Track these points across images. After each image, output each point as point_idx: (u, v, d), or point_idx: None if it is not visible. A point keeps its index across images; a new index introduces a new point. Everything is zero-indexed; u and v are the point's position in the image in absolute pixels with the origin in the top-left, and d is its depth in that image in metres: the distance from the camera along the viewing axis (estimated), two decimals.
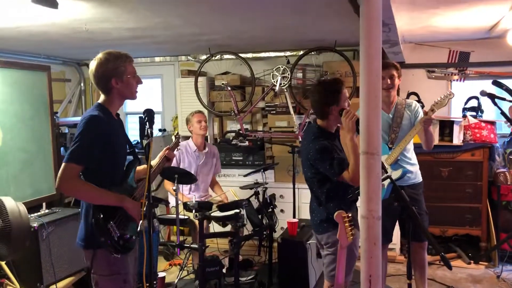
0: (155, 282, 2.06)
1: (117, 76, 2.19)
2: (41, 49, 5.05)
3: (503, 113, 3.24)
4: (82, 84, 6.33)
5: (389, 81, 3.33)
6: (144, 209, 1.99)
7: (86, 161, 2.14)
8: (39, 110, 3.85)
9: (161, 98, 6.20)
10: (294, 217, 4.53)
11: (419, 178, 3.50)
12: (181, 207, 3.75)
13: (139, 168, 2.52)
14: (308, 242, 3.87)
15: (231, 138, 5.25)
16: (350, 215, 2.19)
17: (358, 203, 2.05)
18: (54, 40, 4.26)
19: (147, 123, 2.10)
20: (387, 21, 2.71)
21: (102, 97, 2.28)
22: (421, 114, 3.46)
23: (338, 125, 2.76)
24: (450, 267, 2.25)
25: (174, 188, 3.62)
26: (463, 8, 3.46)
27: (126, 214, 2.23)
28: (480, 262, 4.57)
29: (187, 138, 4.68)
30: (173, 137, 2.97)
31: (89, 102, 6.37)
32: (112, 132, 2.23)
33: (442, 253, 2.26)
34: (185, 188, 4.29)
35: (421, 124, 3.24)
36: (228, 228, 4.12)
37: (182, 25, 3.68)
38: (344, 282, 2.65)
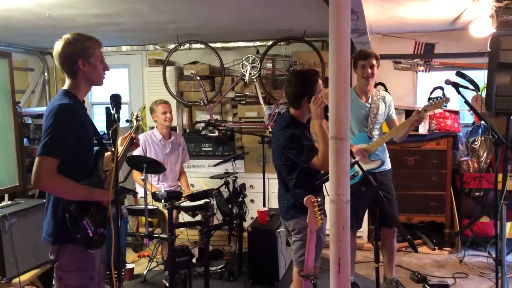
0: (123, 270, 2.00)
1: (85, 57, 2.10)
2: (2, 36, 4.87)
3: (466, 102, 3.32)
4: (46, 74, 6.14)
5: (369, 70, 3.40)
6: (112, 195, 1.93)
7: (62, 154, 2.02)
8: (0, 98, 3.71)
9: (128, 88, 6.08)
10: (264, 206, 4.54)
11: (389, 165, 3.61)
12: (149, 198, 3.70)
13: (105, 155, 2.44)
14: (278, 231, 3.90)
15: (200, 129, 5.21)
16: (319, 199, 2.21)
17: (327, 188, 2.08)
18: (16, 26, 4.11)
19: (114, 108, 2.04)
20: (355, 9, 2.74)
21: (67, 83, 2.18)
22: (393, 108, 3.59)
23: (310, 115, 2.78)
24: (416, 250, 2.32)
25: (142, 177, 3.57)
26: None
27: (100, 207, 2.15)
28: (444, 248, 4.71)
29: (151, 128, 4.62)
30: (134, 120, 2.89)
31: (53, 92, 6.19)
32: (82, 120, 2.14)
33: (409, 237, 2.32)
34: (153, 179, 4.23)
35: (412, 122, 3.32)
36: (198, 218, 4.10)
37: (150, 12, 3.62)
38: (314, 267, 2.69)
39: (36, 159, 1.99)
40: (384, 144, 3.56)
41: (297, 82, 2.73)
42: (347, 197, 2.03)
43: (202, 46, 5.13)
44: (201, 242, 3.86)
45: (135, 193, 4.04)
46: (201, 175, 5.13)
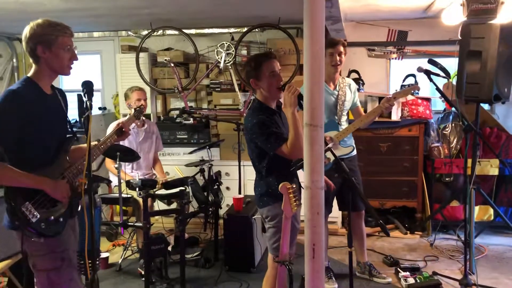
0: (98, 259, 1.98)
1: (45, 44, 2.06)
2: None
3: (438, 89, 3.39)
4: (14, 60, 5.97)
5: (337, 57, 3.43)
6: (85, 185, 1.90)
7: (1, 140, 2.00)
8: None
9: (100, 75, 5.97)
10: (240, 193, 4.55)
11: (355, 151, 3.70)
12: (124, 186, 3.66)
13: (82, 145, 2.39)
14: (254, 217, 3.92)
15: (175, 116, 5.16)
16: (294, 186, 2.23)
17: (301, 176, 2.10)
18: None
19: (86, 95, 1.99)
20: None
21: (32, 69, 2.14)
22: (357, 93, 3.68)
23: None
24: (388, 234, 2.36)
25: (116, 166, 3.52)
26: None
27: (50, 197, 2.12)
28: (416, 232, 4.83)
29: (124, 116, 4.54)
30: (132, 110, 2.81)
31: None
32: (36, 108, 2.08)
33: (381, 221, 2.36)
34: (127, 167, 4.18)
35: (382, 109, 3.37)
36: (174, 206, 4.09)
37: None
38: (289, 254, 2.72)
39: None
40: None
41: (245, 65, 2.79)
42: (322, 184, 2.05)
43: (176, 32, 5.06)
44: (177, 230, 3.85)
45: (109, 182, 3.99)
46: (176, 163, 5.10)
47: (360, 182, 3.67)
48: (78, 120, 5.61)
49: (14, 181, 2.04)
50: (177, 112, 5.15)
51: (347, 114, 3.64)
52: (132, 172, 4.21)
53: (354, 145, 3.69)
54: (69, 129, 2.34)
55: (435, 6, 4.17)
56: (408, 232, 4.82)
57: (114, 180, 4.02)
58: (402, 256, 4.26)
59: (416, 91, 5.03)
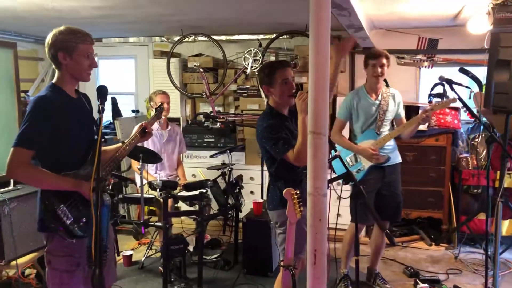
0: (104, 255, 2.08)
1: (65, 51, 2.14)
2: (11, 26, 4.99)
3: (460, 99, 3.33)
4: None
5: (379, 69, 3.46)
6: (93, 183, 1.99)
7: (35, 144, 2.07)
8: (4, 87, 3.83)
9: (134, 79, 6.18)
10: (262, 198, 4.61)
11: (399, 160, 3.67)
12: (146, 187, 3.79)
13: (109, 147, 2.46)
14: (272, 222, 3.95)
15: (202, 120, 5.28)
16: (298, 192, 2.26)
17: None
18: (21, 17, 4.22)
19: (99, 99, 2.09)
20: (344, 5, 2.76)
21: (56, 75, 2.24)
22: (402, 105, 3.67)
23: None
24: (393, 243, 2.35)
25: (139, 167, 3.66)
26: None
27: (83, 197, 2.18)
28: (441, 244, 4.72)
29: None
30: (154, 110, 2.88)
31: None
32: (65, 112, 2.17)
33: (387, 231, 2.36)
34: (151, 168, 4.32)
35: (419, 120, 3.38)
36: (196, 208, 4.18)
37: (147, 4, 3.68)
38: (299, 260, 2.74)
39: (11, 150, 2.05)
40: (394, 141, 3.62)
41: (259, 72, 2.83)
42: (324, 190, 2.07)
43: (206, 38, 5.19)
44: (196, 231, 3.94)
45: (132, 182, 4.14)
46: (203, 165, 5.20)
47: (399, 191, 3.62)
48: (111, 121, 5.87)
49: (53, 185, 2.12)
50: (202, 116, 5.26)
51: (390, 124, 3.63)
52: (156, 173, 4.34)
53: (398, 154, 3.66)
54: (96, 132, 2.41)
55: (463, 14, 4.09)
56: (433, 243, 4.73)
57: (139, 181, 4.16)
58: (424, 268, 4.18)
59: (454, 101, 4.95)
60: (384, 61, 3.46)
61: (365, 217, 3.33)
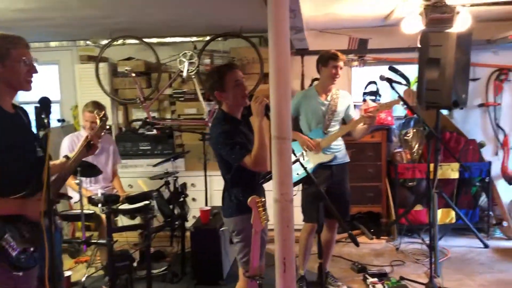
0: (60, 283, 1.88)
1: None
2: None
3: (400, 97, 3.44)
4: None
5: (339, 70, 3.53)
6: (44, 206, 1.78)
7: None
8: None
9: (59, 86, 5.77)
10: (206, 205, 4.49)
11: (347, 159, 3.73)
12: (85, 201, 3.53)
13: (53, 163, 2.23)
14: (221, 229, 3.86)
15: (137, 127, 5.05)
16: (263, 199, 2.19)
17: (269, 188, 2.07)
18: None
19: (43, 112, 1.88)
20: (293, 7, 2.74)
21: None
22: (352, 106, 3.72)
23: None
24: (357, 244, 2.36)
25: (77, 181, 3.39)
26: None
27: (30, 221, 1.95)
28: (382, 237, 4.90)
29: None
30: (98, 120, 2.64)
31: None
32: (4, 131, 1.94)
33: (350, 231, 2.36)
34: (85, 181, 4.02)
35: (363, 121, 3.45)
36: (137, 220, 3.97)
37: (80, 6, 3.42)
38: (259, 267, 2.68)
39: None
40: (342, 140, 3.68)
41: (208, 78, 2.76)
42: (291, 196, 2.03)
43: (137, 41, 4.96)
44: (142, 245, 3.74)
45: (69, 198, 3.83)
46: (140, 175, 4.97)
47: (347, 190, 3.70)
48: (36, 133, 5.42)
49: None
50: (140, 123, 5.03)
51: (339, 124, 3.67)
52: (90, 186, 4.07)
53: (346, 154, 3.72)
54: (38, 148, 2.17)
55: (395, 15, 4.26)
56: (374, 237, 4.88)
57: (75, 196, 3.86)
58: (369, 262, 4.30)
59: (378, 98, 5.14)
60: (341, 63, 3.54)
61: (317, 216, 3.34)
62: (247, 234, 2.41)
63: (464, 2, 3.78)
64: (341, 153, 3.64)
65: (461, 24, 3.82)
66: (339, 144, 3.63)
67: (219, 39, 4.94)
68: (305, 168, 2.45)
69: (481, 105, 5.29)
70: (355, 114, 3.77)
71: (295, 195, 3.24)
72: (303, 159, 3.55)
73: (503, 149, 5.24)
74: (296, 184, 3.31)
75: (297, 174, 3.29)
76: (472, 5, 3.86)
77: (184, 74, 4.91)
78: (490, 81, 5.26)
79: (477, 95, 5.26)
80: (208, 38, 4.91)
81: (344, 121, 3.75)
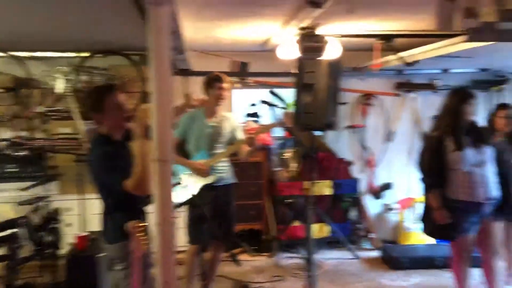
0: None
1: None
2: None
3: (280, 122, 3.66)
4: None
5: (225, 92, 3.62)
6: None
7: None
8: None
9: None
10: (83, 231, 4.22)
11: (231, 180, 3.80)
12: None
13: None
14: (100, 255, 3.65)
15: (4, 148, 4.60)
16: (144, 224, 2.14)
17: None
18: None
19: None
20: (174, 29, 2.76)
21: None
22: (238, 129, 3.81)
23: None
24: (238, 263, 2.41)
25: None
26: (243, 22, 3.79)
27: None
28: (263, 253, 5.05)
29: None
30: None
31: None
32: None
33: (233, 252, 2.41)
34: None
35: (244, 143, 3.59)
36: (2, 251, 3.60)
37: None
38: None
39: None
40: (228, 162, 3.76)
41: (86, 99, 2.65)
42: (172, 219, 2.02)
43: (4, 54, 4.55)
44: (8, 278, 3.39)
45: None
46: (7, 200, 4.51)
47: (232, 212, 3.73)
48: None
49: None
50: (7, 143, 4.60)
51: (224, 146, 3.71)
52: None
53: (232, 175, 3.78)
54: None
55: (272, 41, 4.50)
56: (256, 254, 5.02)
57: None
58: (251, 279, 4.41)
59: (257, 119, 5.35)
60: (228, 85, 3.65)
61: (203, 238, 3.36)
62: (131, 260, 2.32)
63: (333, 33, 4.14)
64: (227, 174, 3.70)
65: (332, 52, 4.16)
66: (224, 166, 3.69)
67: (99, 55, 4.76)
68: (189, 190, 2.44)
69: (349, 127, 5.77)
70: (242, 136, 3.87)
71: (178, 217, 3.25)
72: (188, 181, 3.54)
73: (368, 166, 5.76)
74: (180, 206, 3.30)
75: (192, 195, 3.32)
76: (339, 36, 4.23)
77: (59, 91, 4.61)
78: (357, 105, 5.78)
79: (346, 117, 5.74)
80: (86, 54, 4.69)
81: (231, 144, 3.84)
